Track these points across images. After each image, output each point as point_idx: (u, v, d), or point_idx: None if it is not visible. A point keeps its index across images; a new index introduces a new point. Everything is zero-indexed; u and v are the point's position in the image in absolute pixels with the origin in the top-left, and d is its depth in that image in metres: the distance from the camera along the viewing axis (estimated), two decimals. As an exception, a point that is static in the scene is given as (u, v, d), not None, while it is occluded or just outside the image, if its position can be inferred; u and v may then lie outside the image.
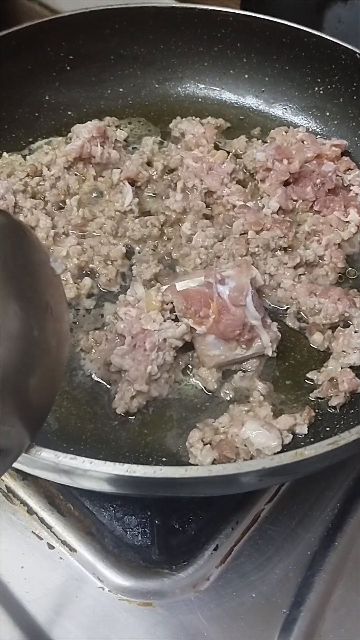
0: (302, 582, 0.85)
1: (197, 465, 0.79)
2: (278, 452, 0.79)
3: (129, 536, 0.85)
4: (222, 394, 0.88)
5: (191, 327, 0.87)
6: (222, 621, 0.82)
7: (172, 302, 0.89)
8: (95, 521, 0.86)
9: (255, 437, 0.81)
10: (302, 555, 0.87)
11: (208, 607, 0.83)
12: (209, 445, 0.81)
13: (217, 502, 0.87)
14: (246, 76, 1.22)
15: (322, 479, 0.92)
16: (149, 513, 0.86)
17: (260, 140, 1.16)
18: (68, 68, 1.18)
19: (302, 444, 0.82)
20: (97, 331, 0.90)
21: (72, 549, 0.85)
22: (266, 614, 0.83)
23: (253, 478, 0.68)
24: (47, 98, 1.17)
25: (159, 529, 0.85)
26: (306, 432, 0.84)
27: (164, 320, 0.88)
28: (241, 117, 1.21)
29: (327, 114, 1.18)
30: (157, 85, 1.22)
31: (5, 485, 0.89)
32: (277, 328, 0.91)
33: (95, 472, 0.64)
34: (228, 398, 0.88)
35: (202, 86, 1.23)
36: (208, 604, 0.83)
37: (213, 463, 0.79)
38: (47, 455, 0.65)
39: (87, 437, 0.83)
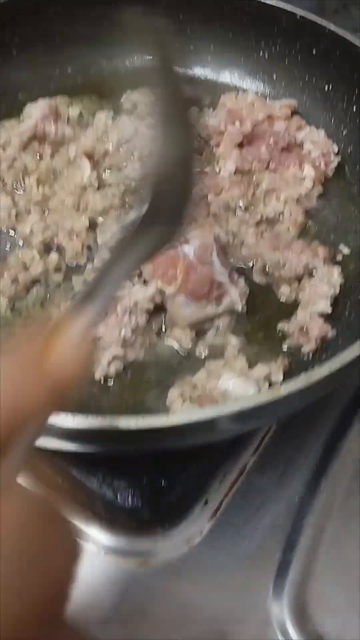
0: (292, 526, 0.87)
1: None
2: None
3: (119, 500, 0.86)
4: (197, 353, 0.89)
5: (160, 289, 0.89)
6: (217, 573, 0.84)
7: (139, 267, 0.90)
8: (85, 489, 0.87)
9: (233, 387, 0.82)
10: (290, 502, 0.89)
11: (203, 561, 0.84)
12: (188, 401, 0.82)
13: (203, 458, 0.89)
14: (192, 47, 1.23)
15: (303, 427, 0.94)
16: (137, 475, 0.87)
17: (211, 109, 1.17)
18: (14, 52, 1.18)
19: (280, 390, 0.85)
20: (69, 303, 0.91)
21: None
22: (260, 561, 0.85)
23: (234, 421, 0.69)
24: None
25: (148, 490, 0.86)
26: (282, 379, 0.86)
27: (133, 285, 0.89)
28: (189, 86, 1.22)
29: (274, 76, 1.20)
30: (104, 62, 1.22)
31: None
32: (245, 284, 0.92)
33: (75, 430, 0.66)
34: (203, 356, 0.89)
35: (150, 59, 1.24)
36: (203, 558, 0.84)
37: (194, 417, 0.80)
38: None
39: (68, 406, 0.84)
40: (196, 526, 0.86)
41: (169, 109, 0.56)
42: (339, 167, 1.09)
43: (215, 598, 0.83)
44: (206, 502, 0.87)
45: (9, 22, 1.14)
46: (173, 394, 0.83)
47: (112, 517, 0.85)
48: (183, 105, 0.58)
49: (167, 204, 0.54)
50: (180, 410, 0.81)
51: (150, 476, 0.86)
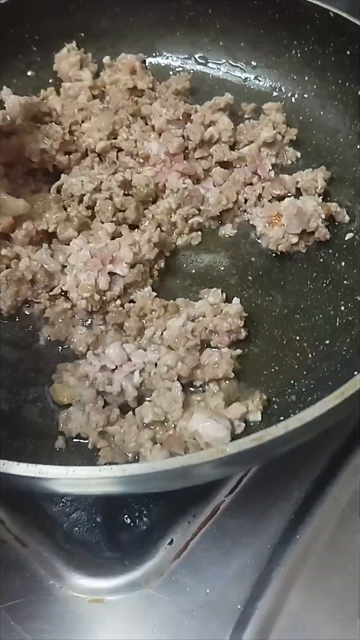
0: (259, 577, 0.81)
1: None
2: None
3: (78, 532, 0.83)
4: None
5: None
6: (174, 618, 0.79)
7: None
8: (46, 515, 0.84)
9: (203, 429, 0.77)
10: (261, 549, 0.83)
11: (160, 604, 0.80)
12: (158, 445, 0.78)
13: (173, 494, 0.84)
14: (220, 43, 1.16)
15: (287, 469, 0.87)
16: (98, 508, 0.83)
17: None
18: (34, 49, 1.14)
19: (255, 433, 0.79)
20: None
21: (24, 544, 0.83)
22: (220, 611, 0.79)
23: (174, 477, 0.64)
24: (15, 82, 1.15)
25: (109, 524, 0.83)
26: (260, 419, 0.80)
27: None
28: (216, 87, 1.16)
29: (306, 78, 1.11)
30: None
31: None
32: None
33: (10, 476, 0.63)
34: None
35: (175, 57, 1.18)
36: (160, 601, 0.80)
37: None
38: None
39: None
40: (158, 566, 0.81)
41: None
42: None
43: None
44: (171, 542, 0.82)
45: (27, 19, 1.11)
46: (143, 436, 0.78)
47: (70, 548, 0.82)
48: None
49: None
50: (149, 457, 0.76)
51: (112, 511, 0.83)
